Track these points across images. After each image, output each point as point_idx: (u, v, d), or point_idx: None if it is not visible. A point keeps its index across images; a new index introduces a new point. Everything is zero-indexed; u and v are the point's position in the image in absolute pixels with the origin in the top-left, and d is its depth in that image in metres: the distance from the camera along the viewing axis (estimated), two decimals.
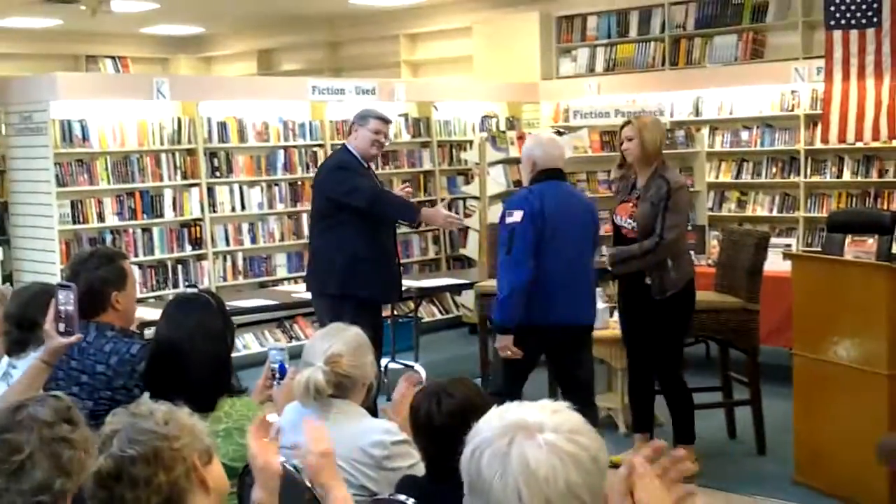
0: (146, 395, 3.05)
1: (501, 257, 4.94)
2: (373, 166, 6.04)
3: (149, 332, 4.04)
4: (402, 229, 7.51)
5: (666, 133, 5.38)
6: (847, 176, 9.43)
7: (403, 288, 6.48)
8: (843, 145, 9.00)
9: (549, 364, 5.36)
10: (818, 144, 9.43)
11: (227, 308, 3.36)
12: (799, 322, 5.37)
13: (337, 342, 3.09)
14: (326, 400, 3.04)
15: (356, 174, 5.75)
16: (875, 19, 8.45)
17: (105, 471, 1.93)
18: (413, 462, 2.96)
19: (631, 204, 5.35)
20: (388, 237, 5.95)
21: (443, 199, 5.81)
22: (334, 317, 5.33)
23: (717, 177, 10.18)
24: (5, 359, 3.77)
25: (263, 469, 2.41)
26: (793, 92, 9.67)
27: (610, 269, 5.51)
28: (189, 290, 3.51)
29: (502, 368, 5.07)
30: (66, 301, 3.05)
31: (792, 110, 9.70)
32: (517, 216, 4.86)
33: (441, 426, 2.79)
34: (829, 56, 8.70)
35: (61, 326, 3.04)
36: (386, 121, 5.89)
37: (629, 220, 5.34)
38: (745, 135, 10.08)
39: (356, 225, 5.70)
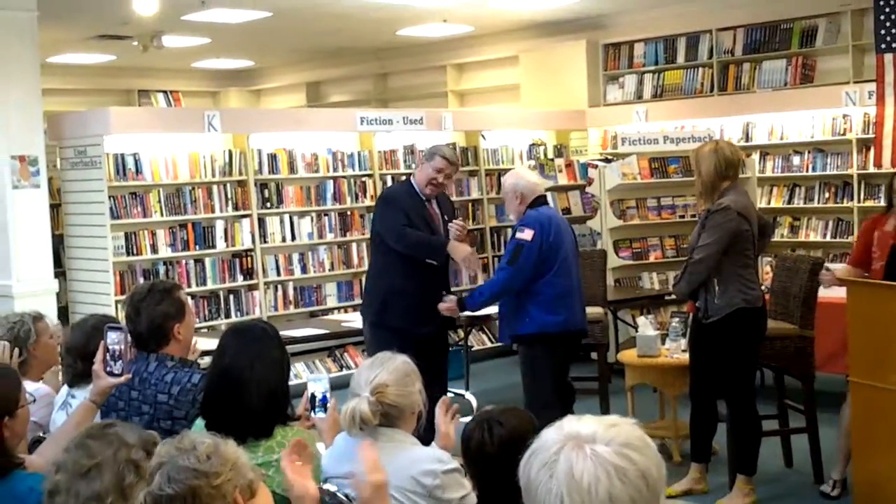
0: (199, 423, 3.10)
1: (502, 264, 5.54)
2: (437, 197, 5.97)
3: (203, 362, 4.07)
4: None
5: (732, 153, 5.32)
6: None
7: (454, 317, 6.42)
8: None
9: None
10: (871, 169, 9.32)
11: None
12: (855, 348, 5.28)
13: (382, 372, 3.05)
14: (374, 429, 3.00)
15: (398, 209, 5.77)
16: None
17: None
18: (465, 493, 2.94)
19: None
20: (432, 270, 5.87)
21: (470, 231, 5.93)
22: (373, 343, 5.80)
23: (768, 202, 10.09)
24: (64, 388, 3.83)
25: (301, 498, 2.40)
26: (844, 116, 9.56)
27: (674, 289, 5.76)
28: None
29: (548, 380, 5.38)
30: (116, 342, 3.13)
31: (843, 134, 9.59)
32: (528, 234, 5.32)
33: (493, 455, 2.78)
34: (880, 80, 8.61)
35: (110, 366, 3.11)
36: (451, 162, 5.81)
37: None
38: (796, 160, 9.99)
39: (399, 256, 5.79)
